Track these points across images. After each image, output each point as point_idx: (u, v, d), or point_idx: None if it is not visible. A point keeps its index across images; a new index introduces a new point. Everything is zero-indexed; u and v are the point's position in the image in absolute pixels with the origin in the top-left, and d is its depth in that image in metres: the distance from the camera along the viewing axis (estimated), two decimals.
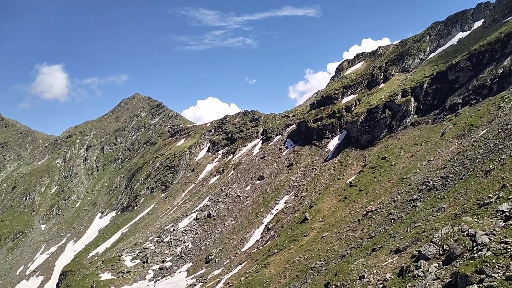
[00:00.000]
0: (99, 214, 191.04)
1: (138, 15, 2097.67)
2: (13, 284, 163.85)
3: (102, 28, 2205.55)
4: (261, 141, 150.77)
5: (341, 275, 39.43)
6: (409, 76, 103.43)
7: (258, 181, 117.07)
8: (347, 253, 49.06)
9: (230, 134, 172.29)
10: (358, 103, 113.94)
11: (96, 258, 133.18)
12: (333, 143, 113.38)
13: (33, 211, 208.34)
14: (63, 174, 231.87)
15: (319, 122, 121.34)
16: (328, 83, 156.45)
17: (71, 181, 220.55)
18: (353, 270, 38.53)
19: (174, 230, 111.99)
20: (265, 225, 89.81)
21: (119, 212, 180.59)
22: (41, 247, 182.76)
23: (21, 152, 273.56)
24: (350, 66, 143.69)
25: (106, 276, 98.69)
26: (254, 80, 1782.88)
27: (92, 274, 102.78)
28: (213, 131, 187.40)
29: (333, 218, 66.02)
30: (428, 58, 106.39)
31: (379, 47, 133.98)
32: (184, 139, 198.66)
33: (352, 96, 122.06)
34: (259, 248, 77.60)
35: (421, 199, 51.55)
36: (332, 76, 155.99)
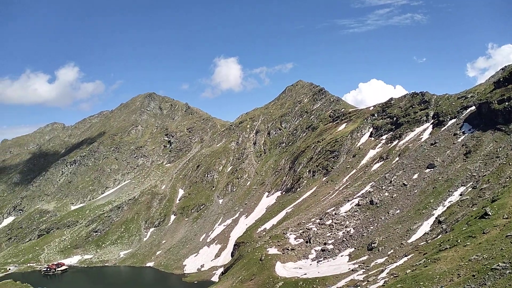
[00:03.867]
0: (266, 193, 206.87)
1: (303, 2, 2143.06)
2: (197, 249, 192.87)
3: (268, 19, 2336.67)
4: (431, 125, 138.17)
5: None
6: None
7: (428, 170, 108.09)
8: None
9: (395, 118, 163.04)
10: None
11: (264, 233, 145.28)
12: None
13: (213, 187, 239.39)
14: (237, 155, 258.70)
15: (506, 103, 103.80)
16: None
17: (243, 162, 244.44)
18: None
19: (335, 214, 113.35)
20: (436, 218, 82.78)
21: (284, 192, 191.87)
22: (219, 219, 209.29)
23: (203, 136, 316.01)
24: None
25: (272, 250, 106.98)
26: (424, 59, 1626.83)
27: (261, 248, 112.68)
28: (376, 115, 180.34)
29: None
30: None
31: None
32: (346, 123, 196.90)
33: None
34: (428, 241, 72.21)
35: None
36: None
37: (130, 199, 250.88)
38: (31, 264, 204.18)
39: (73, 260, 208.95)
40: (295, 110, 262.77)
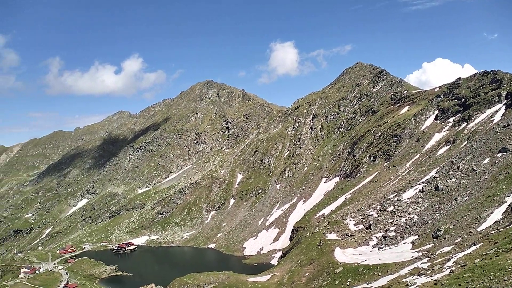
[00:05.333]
0: (324, 179, 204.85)
1: None
2: (256, 232, 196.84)
3: (324, 0, 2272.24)
4: (504, 106, 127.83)
5: None
6: None
7: (500, 154, 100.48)
8: None
9: (463, 99, 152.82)
10: None
11: (322, 218, 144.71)
12: None
13: (270, 172, 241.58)
14: (293, 141, 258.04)
15: None
16: None
17: (300, 147, 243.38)
18: None
19: (397, 200, 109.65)
20: (508, 205, 77.18)
21: (342, 178, 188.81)
22: (276, 204, 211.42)
23: (260, 122, 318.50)
24: None
25: (331, 236, 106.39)
26: (495, 35, 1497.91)
27: (319, 233, 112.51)
28: (442, 96, 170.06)
29: None
30: None
31: None
32: (408, 106, 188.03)
33: None
34: (499, 229, 67.66)
35: None
36: None
37: (191, 183, 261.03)
38: (104, 243, 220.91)
39: (141, 240, 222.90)
40: (354, 93, 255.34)
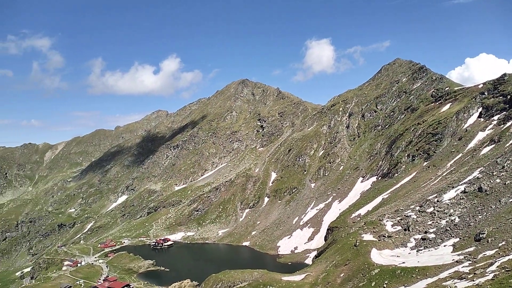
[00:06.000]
0: (361, 178, 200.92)
1: None
2: (290, 231, 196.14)
3: None
4: None
5: None
6: None
7: None
8: None
9: (509, 96, 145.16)
10: None
11: (358, 219, 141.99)
12: None
13: (305, 171, 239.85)
14: (328, 139, 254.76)
15: None
16: None
17: (335, 146, 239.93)
18: None
19: (438, 201, 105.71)
20: None
21: (380, 177, 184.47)
22: (311, 203, 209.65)
23: (294, 120, 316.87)
24: None
25: (367, 237, 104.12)
26: None
27: (355, 233, 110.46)
28: (486, 93, 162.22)
29: None
30: None
31: None
32: (450, 103, 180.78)
33: None
34: None
35: None
36: None
37: (226, 181, 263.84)
38: (142, 239, 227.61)
39: (177, 236, 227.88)
40: (392, 90, 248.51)
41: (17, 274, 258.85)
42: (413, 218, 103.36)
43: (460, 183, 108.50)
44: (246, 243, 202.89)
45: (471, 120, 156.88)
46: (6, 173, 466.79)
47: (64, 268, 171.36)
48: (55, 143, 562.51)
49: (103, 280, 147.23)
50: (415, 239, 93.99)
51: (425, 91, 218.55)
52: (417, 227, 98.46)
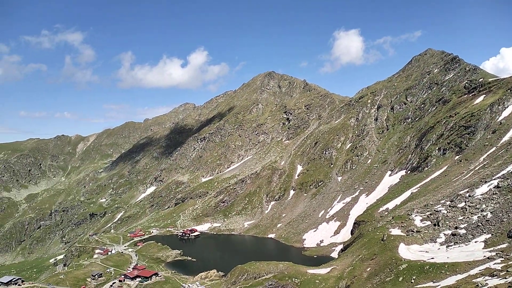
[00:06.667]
0: (389, 172, 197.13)
1: None
2: (316, 224, 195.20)
3: None
4: None
5: None
6: None
7: None
8: None
9: None
10: None
11: (386, 213, 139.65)
12: None
13: (331, 164, 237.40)
14: (356, 132, 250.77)
15: None
16: None
17: (363, 139, 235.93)
18: None
19: (469, 196, 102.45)
20: None
21: (409, 171, 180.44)
22: (337, 196, 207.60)
23: (321, 113, 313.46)
24: None
25: (395, 231, 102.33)
26: None
27: (383, 228, 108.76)
28: None
29: None
30: None
31: None
32: (484, 95, 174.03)
33: None
34: None
35: None
36: None
37: (252, 174, 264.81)
38: (170, 229, 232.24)
39: (204, 227, 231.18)
40: (423, 82, 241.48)
41: (50, 261, 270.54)
42: (443, 213, 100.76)
43: (493, 178, 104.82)
44: (272, 235, 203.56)
45: (506, 113, 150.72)
46: (40, 164, 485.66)
47: (95, 256, 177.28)
48: (86, 135, 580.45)
49: (133, 268, 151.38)
50: (445, 234, 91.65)
51: (458, 82, 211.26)
52: (447, 222, 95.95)
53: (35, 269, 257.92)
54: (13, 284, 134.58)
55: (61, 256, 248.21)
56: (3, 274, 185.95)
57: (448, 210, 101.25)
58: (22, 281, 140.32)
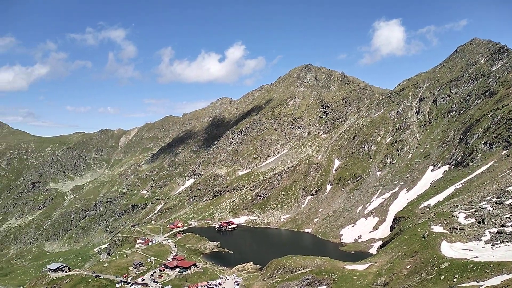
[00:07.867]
0: (431, 167, 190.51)
1: None
2: (354, 220, 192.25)
3: None
4: None
5: None
6: None
7: None
8: None
9: None
10: None
11: (427, 209, 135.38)
12: None
13: (370, 158, 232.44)
14: (397, 126, 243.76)
15: None
16: None
17: (404, 133, 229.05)
18: None
19: None
20: None
21: (452, 166, 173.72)
22: (376, 191, 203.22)
23: (360, 106, 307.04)
24: None
25: (437, 228, 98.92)
26: None
27: (424, 224, 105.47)
28: None
29: None
30: None
31: None
32: None
33: None
34: None
35: None
36: None
37: (288, 168, 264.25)
38: (207, 221, 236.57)
39: (240, 220, 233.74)
40: (468, 73, 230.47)
41: (95, 250, 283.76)
42: (489, 210, 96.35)
43: None
44: (308, 230, 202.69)
45: None
46: (85, 157, 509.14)
47: (136, 246, 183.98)
48: (128, 129, 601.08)
49: (172, 258, 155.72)
50: (490, 232, 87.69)
51: (506, 73, 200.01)
52: (493, 220, 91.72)
53: (81, 257, 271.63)
54: (60, 271, 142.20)
55: (105, 245, 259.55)
56: (51, 261, 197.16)
57: (494, 207, 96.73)
58: (69, 269, 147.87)
